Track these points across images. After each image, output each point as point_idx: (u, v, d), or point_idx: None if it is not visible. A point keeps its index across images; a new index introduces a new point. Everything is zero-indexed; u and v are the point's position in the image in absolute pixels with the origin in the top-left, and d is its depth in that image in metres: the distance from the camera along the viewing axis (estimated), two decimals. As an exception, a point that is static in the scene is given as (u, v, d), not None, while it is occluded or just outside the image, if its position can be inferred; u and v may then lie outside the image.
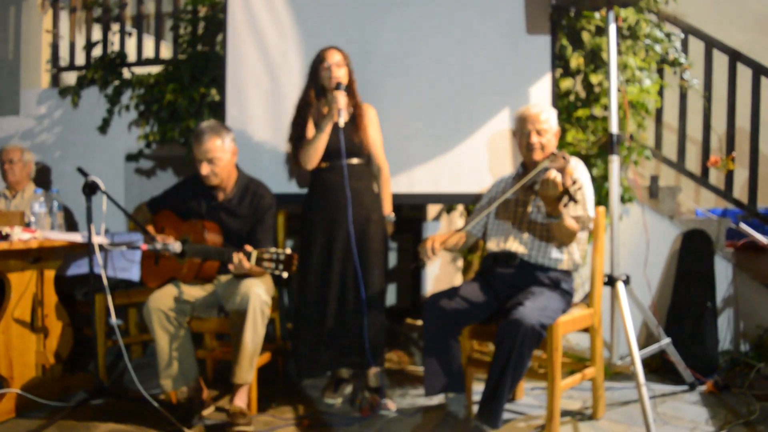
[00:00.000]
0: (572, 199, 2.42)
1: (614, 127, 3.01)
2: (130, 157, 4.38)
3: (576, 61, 3.49)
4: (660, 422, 2.83)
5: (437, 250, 2.73)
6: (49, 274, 3.16)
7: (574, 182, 2.43)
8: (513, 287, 2.77)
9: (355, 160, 3.10)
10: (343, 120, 2.98)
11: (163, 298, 2.85)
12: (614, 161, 3.00)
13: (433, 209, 4.14)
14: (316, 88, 3.12)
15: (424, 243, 2.75)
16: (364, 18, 3.52)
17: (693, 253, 3.65)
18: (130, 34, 4.79)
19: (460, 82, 3.43)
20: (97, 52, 4.80)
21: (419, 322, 4.18)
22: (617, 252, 3.03)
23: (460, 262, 4.12)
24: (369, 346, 2.98)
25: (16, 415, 2.92)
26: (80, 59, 4.92)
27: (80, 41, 4.93)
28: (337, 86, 3.00)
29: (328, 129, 3.00)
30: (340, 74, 3.05)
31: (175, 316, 2.85)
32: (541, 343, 2.55)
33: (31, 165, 4.07)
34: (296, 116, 3.16)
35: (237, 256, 2.69)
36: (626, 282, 3.00)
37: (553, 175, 2.42)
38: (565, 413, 2.96)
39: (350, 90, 3.11)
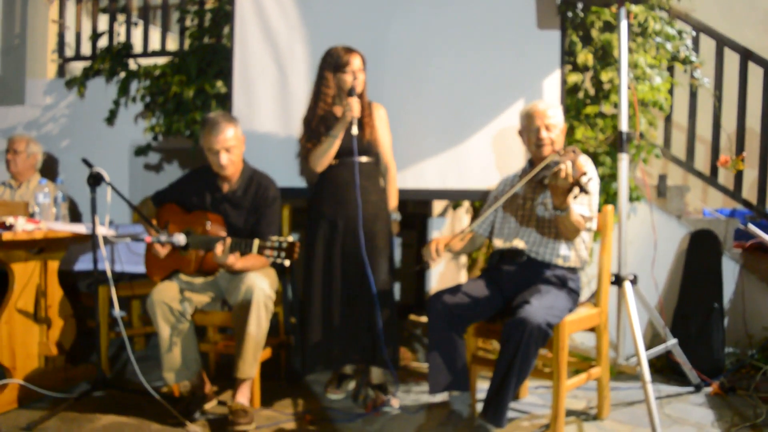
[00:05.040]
0: (583, 190, 2.39)
1: (624, 125, 2.98)
2: (139, 151, 4.36)
3: (584, 56, 3.46)
4: (665, 423, 2.81)
5: (441, 252, 2.72)
6: (53, 265, 3.14)
7: (584, 174, 2.40)
8: (519, 284, 2.74)
9: (364, 158, 3.07)
10: (355, 128, 2.94)
11: (166, 291, 2.83)
12: (623, 159, 2.97)
13: (438, 205, 4.11)
14: (336, 89, 3.06)
15: (428, 245, 2.74)
16: (372, 11, 3.49)
17: (700, 253, 3.62)
18: (136, 25, 4.76)
19: (468, 77, 3.40)
20: (103, 42, 4.78)
21: (423, 319, 4.15)
22: (624, 251, 3.00)
23: (465, 259, 4.09)
24: (383, 342, 2.94)
25: (18, 406, 2.92)
26: (86, 49, 4.91)
27: (86, 31, 4.91)
28: (350, 92, 2.96)
29: (340, 135, 2.98)
30: (361, 80, 3.02)
31: (179, 309, 2.83)
32: (547, 342, 2.52)
33: (37, 156, 4.04)
34: (309, 117, 3.12)
35: (219, 246, 2.68)
36: (634, 282, 2.98)
37: (564, 166, 2.39)
38: (569, 413, 2.93)
39: (362, 92, 3.07)
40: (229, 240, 2.71)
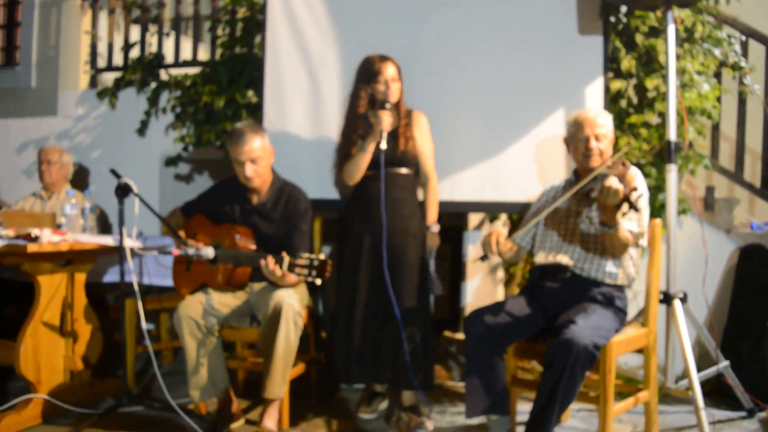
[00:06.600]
0: (633, 207, 2.25)
1: (672, 135, 2.83)
2: (169, 162, 4.33)
3: (628, 63, 3.31)
4: (719, 451, 2.64)
5: (501, 245, 2.53)
6: (80, 277, 3.08)
7: (634, 189, 2.25)
8: (563, 302, 2.59)
9: (402, 170, 2.96)
10: (385, 143, 2.83)
11: (194, 306, 2.75)
12: (672, 171, 2.82)
13: (474, 218, 3.98)
14: (369, 99, 2.96)
15: (488, 236, 2.55)
16: (406, 18, 3.39)
17: (751, 269, 3.43)
18: (168, 35, 4.74)
19: (506, 84, 3.28)
20: (134, 53, 4.77)
21: (459, 336, 4.02)
22: (674, 267, 2.84)
23: (501, 274, 3.95)
24: (410, 366, 2.82)
25: (42, 421, 2.85)
26: (118, 60, 4.90)
27: (118, 42, 4.90)
28: (382, 105, 2.84)
29: (370, 148, 2.88)
30: (395, 89, 2.91)
31: (206, 324, 2.75)
32: (593, 365, 2.37)
33: (69, 166, 4.04)
34: (345, 128, 3.03)
35: (265, 261, 2.58)
36: (684, 300, 2.81)
37: (614, 182, 2.25)
38: (615, 438, 2.78)
39: (398, 102, 2.97)
40: (270, 257, 2.61)
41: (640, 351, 2.71)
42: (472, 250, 3.98)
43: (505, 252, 2.60)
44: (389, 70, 2.90)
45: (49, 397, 2.88)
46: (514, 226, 3.82)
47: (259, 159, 2.84)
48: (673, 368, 2.94)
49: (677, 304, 2.79)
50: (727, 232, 3.61)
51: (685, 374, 2.78)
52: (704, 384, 3.26)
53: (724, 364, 2.98)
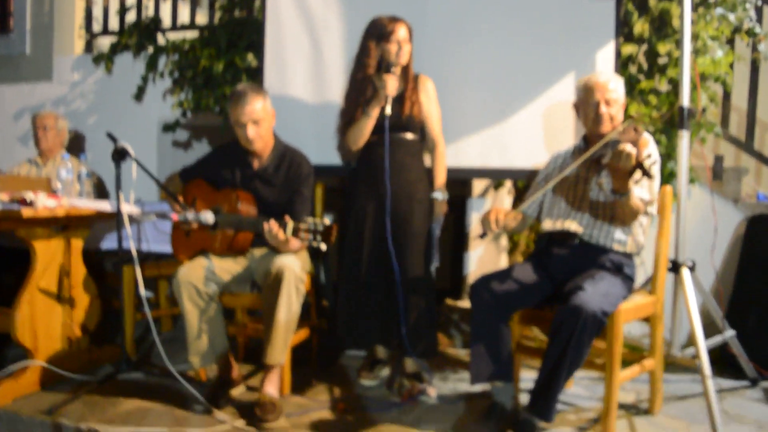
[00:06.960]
0: (646, 173, 2.19)
1: (685, 100, 2.75)
2: (167, 128, 4.25)
3: (641, 27, 3.22)
4: (723, 420, 2.60)
5: (501, 222, 2.47)
6: (77, 243, 3.02)
7: (648, 156, 2.19)
8: (571, 269, 2.54)
9: (408, 135, 2.90)
10: (389, 108, 2.77)
11: (193, 272, 2.70)
12: (684, 137, 2.75)
13: (479, 185, 3.92)
14: (378, 62, 2.87)
15: (487, 214, 2.50)
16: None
17: (759, 240, 3.38)
18: (164, -1, 4.64)
19: (515, 48, 3.19)
20: (131, 17, 4.65)
21: (461, 304, 3.98)
22: (683, 236, 2.78)
23: (505, 242, 3.90)
24: (408, 333, 2.79)
25: (40, 389, 2.81)
26: (114, 24, 4.79)
27: (114, 6, 4.78)
28: (387, 68, 2.78)
29: (374, 113, 2.81)
30: (407, 50, 2.84)
31: (206, 290, 2.70)
32: (601, 332, 2.33)
33: (65, 132, 3.97)
34: (349, 91, 2.95)
35: (268, 225, 2.52)
36: (692, 268, 2.76)
37: (628, 147, 2.19)
38: (619, 406, 2.73)
39: (407, 65, 2.90)
40: (273, 221, 2.54)
41: (643, 320, 2.67)
42: (475, 218, 3.93)
43: (509, 223, 2.55)
44: (401, 31, 2.83)
45: (46, 364, 2.83)
46: (520, 193, 3.76)
47: (261, 120, 2.76)
48: (678, 337, 2.91)
49: (686, 272, 2.74)
50: (735, 202, 3.56)
51: (690, 343, 2.75)
52: (709, 353, 3.24)
53: (731, 333, 2.95)
